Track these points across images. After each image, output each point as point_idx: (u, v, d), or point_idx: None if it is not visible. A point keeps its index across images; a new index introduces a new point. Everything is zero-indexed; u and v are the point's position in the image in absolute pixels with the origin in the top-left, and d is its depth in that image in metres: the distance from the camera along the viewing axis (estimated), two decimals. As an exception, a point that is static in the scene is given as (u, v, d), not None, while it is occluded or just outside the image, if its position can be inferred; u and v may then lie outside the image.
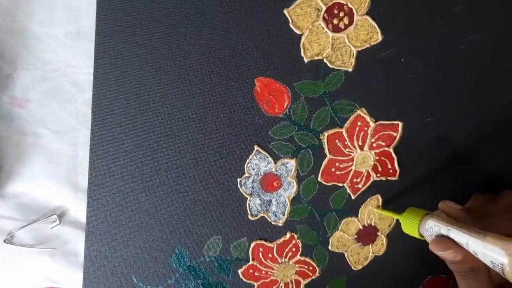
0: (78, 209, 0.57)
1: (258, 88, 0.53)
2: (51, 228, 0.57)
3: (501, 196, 0.51)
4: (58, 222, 0.56)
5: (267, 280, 0.60)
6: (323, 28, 0.53)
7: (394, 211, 0.58)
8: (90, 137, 0.53)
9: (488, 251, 0.40)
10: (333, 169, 0.57)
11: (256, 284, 0.60)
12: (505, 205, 0.48)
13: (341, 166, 0.57)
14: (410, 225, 0.50)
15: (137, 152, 0.54)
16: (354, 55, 0.53)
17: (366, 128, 0.56)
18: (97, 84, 0.52)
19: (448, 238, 0.44)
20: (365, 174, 0.58)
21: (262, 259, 0.59)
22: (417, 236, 0.50)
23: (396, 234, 0.60)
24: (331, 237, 0.60)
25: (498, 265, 0.39)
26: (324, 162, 0.57)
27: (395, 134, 0.57)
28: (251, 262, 0.59)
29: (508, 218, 0.44)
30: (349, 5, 0.52)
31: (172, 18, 0.51)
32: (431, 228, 0.47)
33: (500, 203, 0.49)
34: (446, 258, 0.45)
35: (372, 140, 0.56)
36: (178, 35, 0.52)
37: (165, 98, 0.53)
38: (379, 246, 0.61)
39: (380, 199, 0.59)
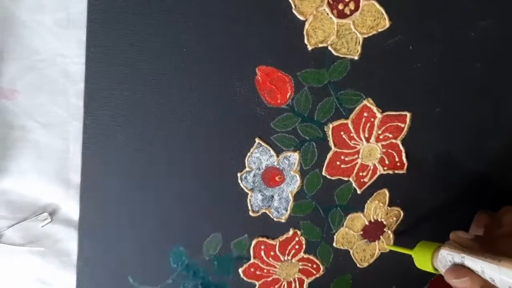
0: (70, 207, 0.56)
1: (260, 78, 0.52)
2: (42, 226, 0.55)
3: (502, 216, 0.50)
4: (49, 220, 0.55)
5: (269, 279, 0.59)
6: (327, 14, 0.51)
7: (401, 206, 0.58)
8: (82, 130, 0.52)
9: (504, 276, 0.39)
10: (338, 163, 0.56)
11: (257, 283, 0.59)
12: (508, 228, 0.48)
13: (346, 159, 0.56)
14: (423, 259, 0.50)
15: (132, 146, 0.53)
16: (360, 42, 0.52)
17: (372, 119, 0.55)
18: (89, 74, 0.50)
19: (463, 266, 0.44)
20: (372, 167, 0.57)
21: (264, 257, 0.58)
22: (431, 270, 0.50)
23: (403, 230, 0.60)
24: (336, 234, 0.59)
25: None
26: (329, 155, 0.56)
27: (402, 126, 0.56)
28: (252, 261, 0.58)
29: None
30: (355, -11, 0.51)
31: (168, 4, 0.50)
32: (444, 257, 0.47)
33: (502, 225, 0.49)
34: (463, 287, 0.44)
35: (379, 132, 0.55)
36: (175, 22, 0.50)
37: (161, 89, 0.51)
38: (386, 242, 0.61)
39: (387, 194, 0.58)
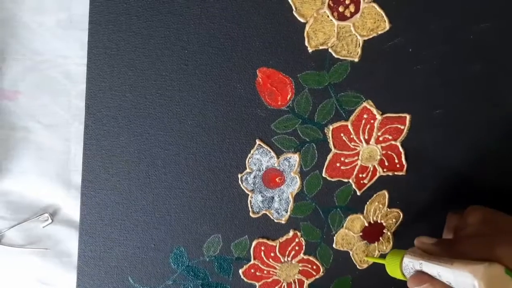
0: (71, 207, 0.56)
1: (260, 79, 0.52)
2: (43, 227, 0.55)
3: (466, 217, 0.49)
4: (50, 221, 0.55)
5: (269, 280, 0.59)
6: (328, 16, 0.51)
7: (400, 207, 0.58)
8: (83, 131, 0.52)
9: (458, 277, 0.40)
10: (338, 164, 0.56)
11: (257, 284, 0.58)
12: (470, 229, 0.47)
13: (346, 161, 0.56)
14: (393, 267, 0.50)
15: (133, 147, 0.53)
16: (361, 44, 0.52)
17: (372, 121, 0.55)
18: (91, 76, 0.51)
19: (424, 272, 0.44)
20: (371, 169, 0.56)
21: (264, 258, 0.58)
22: (402, 277, 0.49)
23: (402, 232, 0.59)
24: (336, 235, 0.58)
25: None
26: (329, 157, 0.55)
27: (402, 127, 0.55)
28: (252, 262, 0.58)
29: (474, 243, 0.43)
30: (356, -8, 0.51)
31: (170, 5, 0.50)
32: (407, 265, 0.47)
33: (467, 226, 0.48)
34: None
35: (379, 134, 0.55)
36: (177, 24, 0.50)
37: (162, 90, 0.52)
38: (386, 244, 0.60)
39: (387, 195, 0.57)
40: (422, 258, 0.44)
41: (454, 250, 0.44)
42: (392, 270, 0.50)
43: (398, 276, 0.50)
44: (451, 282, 0.41)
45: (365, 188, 0.57)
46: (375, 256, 0.59)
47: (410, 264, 0.46)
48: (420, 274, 0.44)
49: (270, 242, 0.57)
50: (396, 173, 0.57)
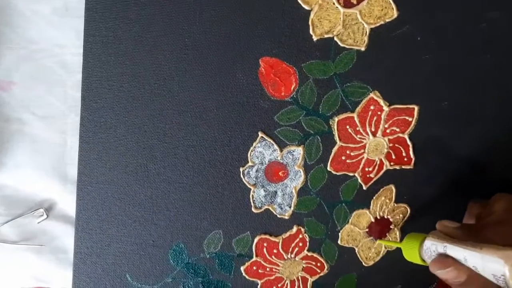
0: (67, 202, 0.55)
1: (263, 69, 0.51)
2: (38, 223, 0.55)
3: (493, 204, 0.49)
4: (45, 216, 0.55)
5: (271, 278, 0.58)
6: (333, 4, 0.50)
7: (407, 202, 0.57)
8: (79, 123, 0.51)
9: (487, 262, 0.39)
10: (343, 157, 0.55)
11: (260, 282, 0.58)
12: (497, 216, 0.47)
13: (352, 154, 0.55)
14: (411, 251, 0.49)
15: (131, 139, 0.52)
16: (367, 33, 0.51)
17: (379, 113, 0.54)
18: (87, 65, 0.50)
19: (447, 256, 0.43)
20: (378, 162, 0.56)
21: (267, 255, 0.57)
22: (420, 262, 0.48)
23: (410, 228, 0.58)
24: (341, 231, 0.58)
25: (500, 278, 0.38)
26: (334, 150, 0.55)
27: (410, 119, 0.54)
28: (254, 259, 0.57)
29: (501, 230, 0.43)
30: (362, -23, 0.50)
31: (170, -8, 0.49)
32: (429, 248, 0.46)
33: (493, 212, 0.47)
34: (449, 279, 0.43)
35: (386, 126, 0.54)
36: (176, 11, 0.49)
37: (161, 80, 0.51)
38: (393, 240, 0.59)
39: (394, 190, 0.57)
40: (446, 241, 0.43)
41: (480, 236, 0.43)
42: (410, 253, 0.49)
43: (416, 260, 0.48)
44: (477, 268, 0.40)
45: (372, 182, 0.56)
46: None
47: (433, 247, 0.45)
48: (444, 258, 0.43)
49: (272, 238, 0.57)
50: (403, 166, 0.56)
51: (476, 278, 0.41)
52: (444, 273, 0.43)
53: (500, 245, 0.39)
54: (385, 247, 0.59)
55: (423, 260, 0.48)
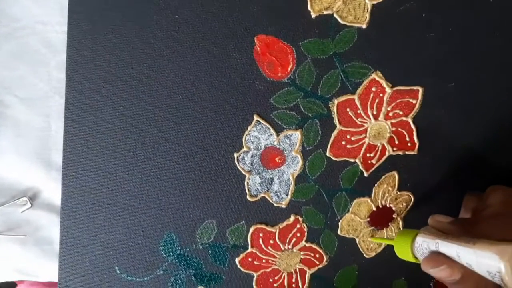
0: (52, 190, 0.54)
1: (258, 48, 0.50)
2: (21, 212, 0.54)
3: (487, 196, 0.47)
4: (29, 205, 0.54)
5: (268, 270, 0.57)
6: (333, -23, 0.48)
7: (411, 190, 0.56)
8: (64, 105, 0.50)
9: (481, 259, 0.37)
10: (343, 142, 0.53)
11: (255, 275, 0.56)
12: (493, 209, 0.45)
13: (352, 138, 0.53)
14: (403, 248, 0.47)
15: (118, 123, 0.51)
16: (369, 9, 0.50)
17: (381, 95, 0.52)
18: (72, 44, 0.49)
19: (440, 253, 0.41)
20: (380, 147, 0.54)
21: (263, 246, 0.56)
22: (412, 259, 0.47)
23: (414, 217, 0.57)
24: (341, 220, 0.56)
25: (495, 275, 0.36)
26: (333, 134, 0.53)
27: (414, 102, 0.53)
28: (249, 250, 0.56)
29: (496, 224, 0.42)
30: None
31: (158, -36, 0.48)
32: (420, 245, 0.44)
33: (488, 206, 0.46)
34: (442, 277, 0.41)
35: (388, 109, 0.53)
36: None
37: (150, 59, 0.50)
38: (395, 230, 0.57)
39: (397, 177, 0.55)
40: (438, 238, 0.42)
41: (474, 230, 0.41)
42: (402, 251, 0.47)
43: (409, 258, 0.47)
44: (472, 265, 0.38)
45: (373, 169, 0.55)
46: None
47: (425, 244, 0.43)
48: (436, 255, 0.41)
49: (269, 228, 0.55)
50: (407, 152, 0.55)
51: (471, 275, 0.39)
52: (437, 272, 0.41)
53: (495, 240, 0.37)
54: (387, 237, 0.57)
55: (416, 258, 0.46)
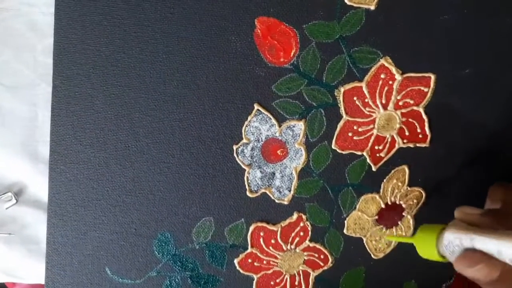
0: (39, 185, 0.53)
1: (259, 31, 0.49)
2: (6, 208, 0.53)
3: None
4: (14, 201, 0.53)
5: (269, 272, 0.55)
6: (339, -45, 0.48)
7: (422, 186, 0.54)
8: (51, 93, 0.49)
9: None
10: (350, 134, 0.53)
11: (255, 277, 0.55)
12: None
13: (360, 129, 0.52)
14: (427, 247, 0.45)
15: (110, 112, 0.50)
16: None
17: (391, 82, 0.51)
18: (60, 26, 0.48)
19: (475, 250, 0.40)
20: (389, 139, 0.53)
21: (264, 246, 0.55)
22: (438, 259, 0.45)
23: (425, 215, 0.56)
24: (347, 219, 0.55)
25: None
26: (339, 125, 0.52)
27: (426, 90, 0.52)
28: (250, 250, 0.55)
29: None
30: None
31: None
32: (451, 242, 0.42)
33: None
34: (480, 278, 0.40)
35: (398, 97, 0.52)
36: None
37: (143, 43, 0.49)
38: (405, 229, 0.56)
39: (407, 171, 0.54)
40: (473, 232, 0.40)
41: (509, 223, 0.40)
42: (426, 249, 0.45)
43: (434, 257, 0.45)
44: None
45: (382, 162, 0.54)
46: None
47: (456, 241, 0.41)
48: (472, 253, 0.40)
49: (270, 227, 0.54)
50: (418, 144, 0.54)
51: (510, 273, 0.38)
52: (473, 272, 0.39)
53: None
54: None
55: (443, 257, 0.44)
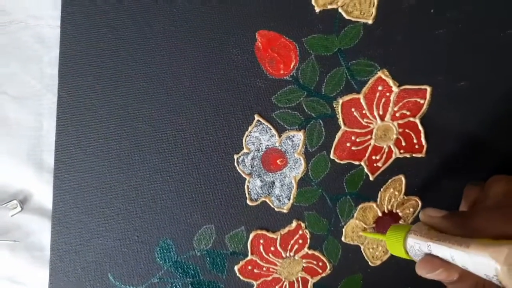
0: (44, 193, 0.53)
1: (260, 44, 0.49)
2: (11, 216, 0.53)
3: (489, 187, 0.45)
4: (19, 208, 0.53)
5: (268, 278, 0.55)
6: (338, -29, 0.48)
7: (419, 195, 0.54)
8: (57, 104, 0.49)
9: (476, 261, 0.35)
10: (348, 144, 0.52)
11: (255, 283, 0.55)
12: (493, 200, 0.43)
13: (357, 140, 0.52)
14: (396, 246, 0.45)
15: (113, 122, 0.50)
16: (375, 4, 0.49)
17: (388, 94, 0.51)
18: (65, 39, 0.48)
19: (434, 256, 0.40)
20: (386, 150, 0.53)
21: (263, 253, 0.54)
22: (406, 257, 0.45)
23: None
24: (345, 227, 0.55)
25: (493, 278, 0.34)
26: (338, 136, 0.52)
27: (422, 102, 0.51)
28: (249, 257, 0.54)
29: (492, 216, 0.39)
30: None
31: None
32: (412, 247, 0.43)
33: (489, 197, 0.44)
34: (440, 279, 0.40)
35: (395, 109, 0.51)
36: None
37: (147, 55, 0.49)
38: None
39: (404, 181, 0.54)
40: (430, 239, 0.40)
41: (468, 225, 0.39)
42: (394, 248, 0.46)
43: (402, 255, 0.45)
44: (468, 267, 0.36)
45: (379, 172, 0.54)
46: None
47: (416, 246, 0.42)
48: (431, 258, 0.40)
49: (270, 235, 0.54)
50: (414, 154, 0.53)
51: (469, 274, 0.38)
52: (433, 276, 0.40)
53: (488, 236, 0.36)
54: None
55: (410, 255, 0.45)
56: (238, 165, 0.52)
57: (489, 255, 0.34)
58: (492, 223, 0.38)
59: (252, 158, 0.52)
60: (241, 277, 0.55)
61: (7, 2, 0.48)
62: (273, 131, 0.51)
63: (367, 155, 0.53)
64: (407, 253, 0.44)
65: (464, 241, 0.37)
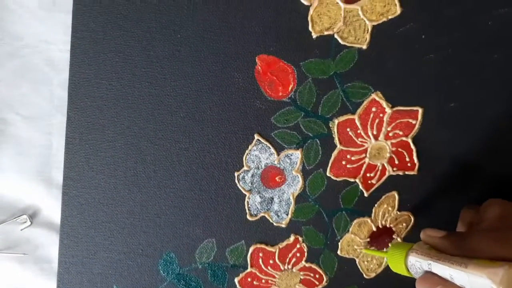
0: (52, 208, 0.53)
1: (260, 68, 0.50)
2: (21, 230, 0.53)
3: (484, 210, 0.46)
4: (28, 223, 0.53)
5: None
6: (334, -1, 0.48)
7: (411, 210, 0.55)
8: (66, 123, 0.50)
9: (473, 281, 0.37)
10: (343, 162, 0.53)
11: None
12: (488, 223, 0.44)
13: (352, 158, 0.53)
14: (397, 263, 0.46)
15: (119, 141, 0.51)
16: (369, 30, 0.49)
17: (381, 115, 0.52)
18: (75, 62, 0.49)
19: (434, 273, 0.41)
20: (380, 168, 0.54)
21: (262, 266, 0.55)
22: (407, 274, 0.46)
23: (415, 237, 0.54)
24: (341, 241, 0.55)
25: None
26: (334, 154, 0.53)
27: (414, 122, 0.52)
28: (249, 269, 0.55)
29: (488, 238, 0.40)
30: (364, -28, 0.48)
31: (162, -14, 0.48)
32: (413, 265, 0.44)
33: (484, 220, 0.45)
34: None
35: (389, 129, 0.52)
36: (169, 6, 0.48)
37: (152, 78, 0.50)
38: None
39: (397, 197, 0.54)
40: (430, 258, 0.41)
41: (466, 246, 0.40)
42: (396, 266, 0.47)
43: (403, 272, 0.46)
44: (465, 286, 0.38)
45: (373, 189, 0.54)
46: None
47: (417, 264, 0.43)
48: (430, 276, 0.41)
49: (269, 248, 0.55)
50: (407, 172, 0.54)
51: None
52: None
53: (485, 257, 0.37)
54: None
55: (411, 273, 0.46)
56: (239, 182, 0.53)
57: (486, 275, 0.35)
58: (487, 245, 0.39)
59: (252, 175, 0.53)
60: (241, 289, 0.56)
61: (20, 28, 0.48)
62: (272, 149, 0.52)
63: (361, 172, 0.54)
64: (408, 270, 0.45)
65: (463, 261, 0.38)
